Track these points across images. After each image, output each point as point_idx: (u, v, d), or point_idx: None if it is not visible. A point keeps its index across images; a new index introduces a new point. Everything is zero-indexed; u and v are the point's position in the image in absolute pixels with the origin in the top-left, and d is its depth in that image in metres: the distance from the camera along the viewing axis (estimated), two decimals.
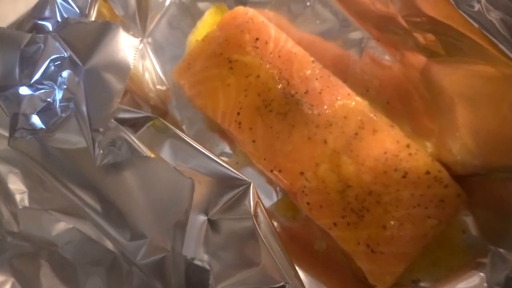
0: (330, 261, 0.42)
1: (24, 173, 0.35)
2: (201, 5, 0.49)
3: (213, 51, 0.44)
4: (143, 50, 0.47)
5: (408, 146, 0.39)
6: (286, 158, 0.41)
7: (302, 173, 0.40)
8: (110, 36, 0.33)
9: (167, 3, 0.49)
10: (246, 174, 0.46)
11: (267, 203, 0.46)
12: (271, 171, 0.41)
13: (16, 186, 0.34)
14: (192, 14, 0.49)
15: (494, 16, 0.26)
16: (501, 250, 0.33)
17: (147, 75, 0.46)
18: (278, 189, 0.45)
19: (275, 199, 0.45)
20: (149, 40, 0.48)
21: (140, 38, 0.34)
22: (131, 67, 0.33)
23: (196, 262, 0.28)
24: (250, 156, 0.42)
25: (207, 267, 0.27)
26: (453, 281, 0.35)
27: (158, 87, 0.47)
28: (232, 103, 0.42)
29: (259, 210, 0.32)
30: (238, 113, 0.42)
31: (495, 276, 0.32)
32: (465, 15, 0.27)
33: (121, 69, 0.33)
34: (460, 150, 0.37)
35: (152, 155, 0.31)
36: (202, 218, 0.32)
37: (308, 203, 0.40)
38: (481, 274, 0.31)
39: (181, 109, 0.47)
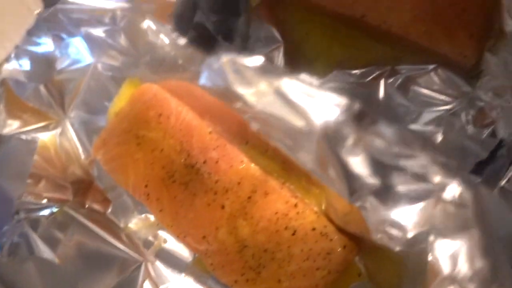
0: None
1: None
2: (117, 78, 0.54)
3: (124, 127, 0.48)
4: (64, 127, 0.51)
5: (295, 205, 0.44)
6: (189, 224, 0.45)
7: (204, 237, 0.44)
8: (6, 147, 0.37)
9: (86, 77, 0.53)
10: None
11: (190, 257, 0.50)
12: (178, 236, 0.45)
13: None
14: (110, 87, 0.54)
15: None
16: None
17: (68, 151, 0.51)
18: None
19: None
20: (71, 116, 0.52)
21: (39, 140, 0.39)
22: (29, 170, 0.38)
23: None
24: (160, 223, 0.46)
25: None
26: None
27: (81, 160, 0.52)
28: (141, 177, 0.47)
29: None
30: (146, 186, 0.46)
31: None
32: None
33: (19, 174, 0.37)
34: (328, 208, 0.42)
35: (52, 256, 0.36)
36: None
37: (211, 264, 0.44)
38: None
39: (104, 179, 0.52)
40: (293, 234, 0.43)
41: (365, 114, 0.29)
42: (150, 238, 0.46)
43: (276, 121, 0.34)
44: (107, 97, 0.54)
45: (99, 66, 0.53)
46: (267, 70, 0.34)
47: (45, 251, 0.36)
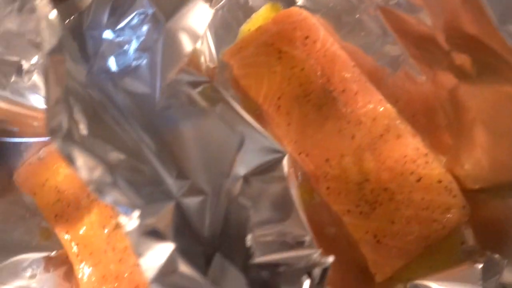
0: (336, 246, 0.46)
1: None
2: (255, 4, 0.54)
3: (265, 40, 0.49)
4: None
5: (426, 155, 0.44)
6: (315, 144, 0.45)
7: (327, 160, 0.44)
8: (192, 1, 0.37)
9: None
10: None
11: None
12: (300, 153, 0.45)
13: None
14: (245, 10, 0.54)
15: None
16: (495, 255, 0.37)
17: (202, 51, 0.51)
18: (298, 174, 0.49)
19: None
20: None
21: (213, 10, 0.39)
22: (202, 33, 0.38)
23: (240, 199, 0.32)
24: (283, 137, 0.46)
25: (248, 205, 0.31)
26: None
27: (208, 64, 0.52)
28: (275, 88, 0.47)
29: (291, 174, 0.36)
30: (279, 98, 0.46)
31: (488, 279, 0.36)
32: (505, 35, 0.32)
33: (194, 33, 0.37)
34: (473, 166, 0.42)
35: (210, 107, 0.35)
36: (240, 175, 0.36)
37: (328, 188, 0.44)
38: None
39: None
40: (418, 180, 0.43)
41: None
42: None
43: None
44: (240, 17, 0.54)
45: None
46: None
47: (204, 106, 0.35)
